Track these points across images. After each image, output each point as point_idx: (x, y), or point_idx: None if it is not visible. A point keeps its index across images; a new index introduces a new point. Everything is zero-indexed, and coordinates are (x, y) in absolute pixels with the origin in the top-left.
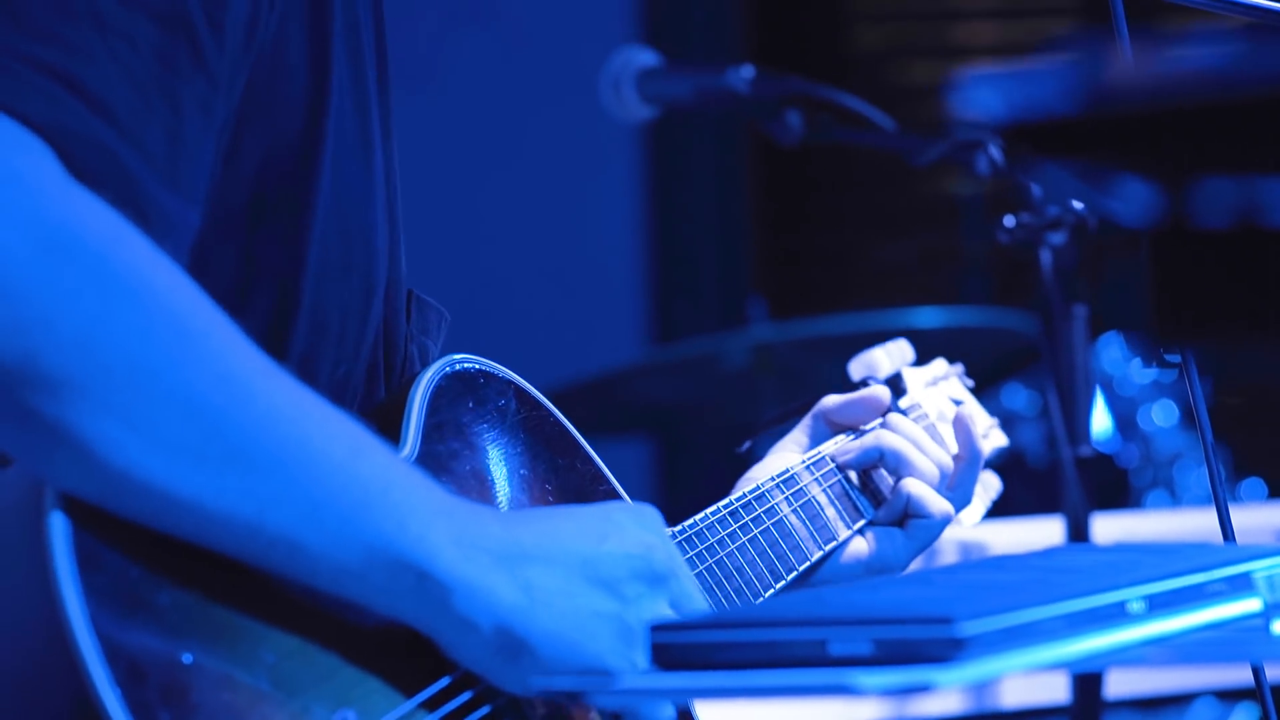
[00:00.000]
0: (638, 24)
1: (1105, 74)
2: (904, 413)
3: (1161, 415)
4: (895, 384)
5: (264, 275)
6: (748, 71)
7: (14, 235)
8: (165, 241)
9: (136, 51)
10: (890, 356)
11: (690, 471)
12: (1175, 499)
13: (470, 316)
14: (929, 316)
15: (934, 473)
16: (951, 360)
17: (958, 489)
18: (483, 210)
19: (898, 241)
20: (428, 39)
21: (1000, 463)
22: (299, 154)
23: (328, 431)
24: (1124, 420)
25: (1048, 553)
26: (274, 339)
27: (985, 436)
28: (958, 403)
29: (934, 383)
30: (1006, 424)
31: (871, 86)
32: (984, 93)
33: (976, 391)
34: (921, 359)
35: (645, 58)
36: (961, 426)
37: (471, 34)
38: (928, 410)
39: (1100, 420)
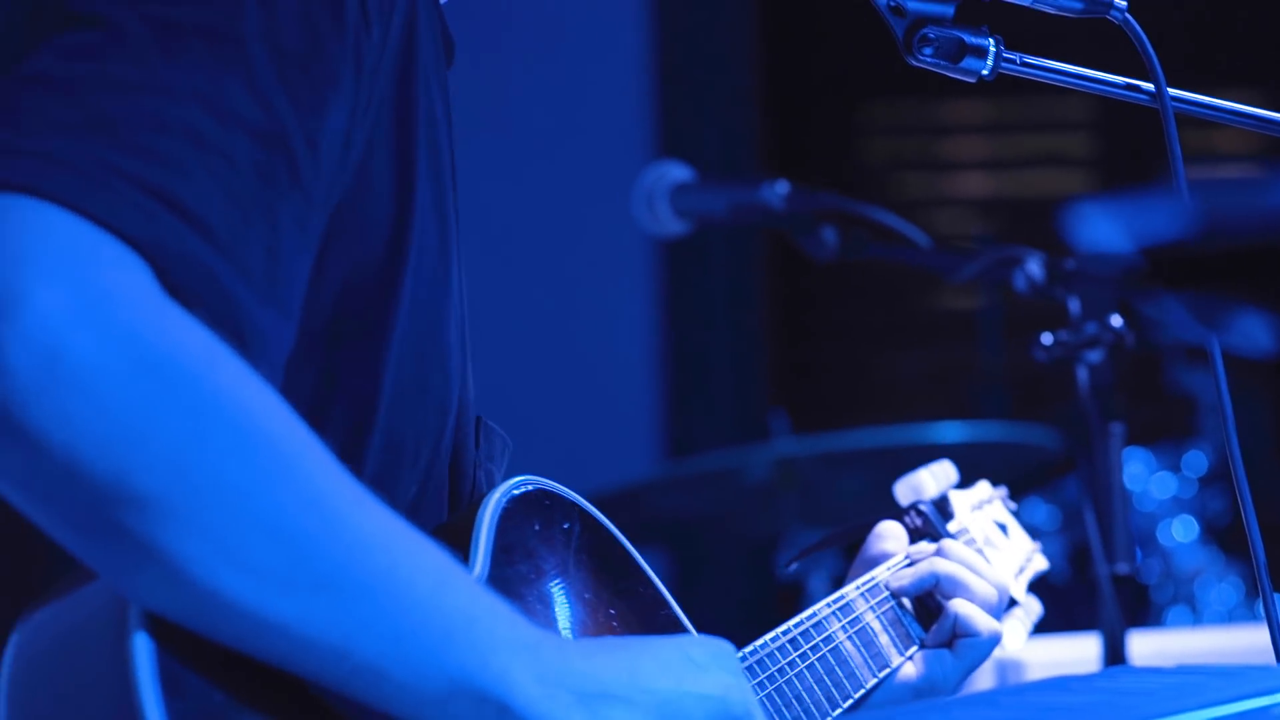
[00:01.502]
0: (654, 135)
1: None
2: (954, 537)
3: (1182, 531)
4: (942, 507)
5: (342, 395)
6: (782, 187)
7: (110, 353)
8: (260, 360)
9: (234, 168)
10: (935, 478)
11: (710, 585)
12: (1196, 615)
13: None
14: (948, 431)
15: (990, 595)
16: (974, 476)
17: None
18: (499, 322)
19: (916, 355)
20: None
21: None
22: (381, 275)
23: (415, 561)
24: (1144, 536)
25: (1111, 674)
26: (349, 459)
27: (1029, 560)
28: (1002, 526)
29: (979, 506)
30: None
31: (878, 199)
32: (1103, 223)
33: None
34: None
35: (678, 173)
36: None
37: (487, 142)
38: (975, 534)
39: None
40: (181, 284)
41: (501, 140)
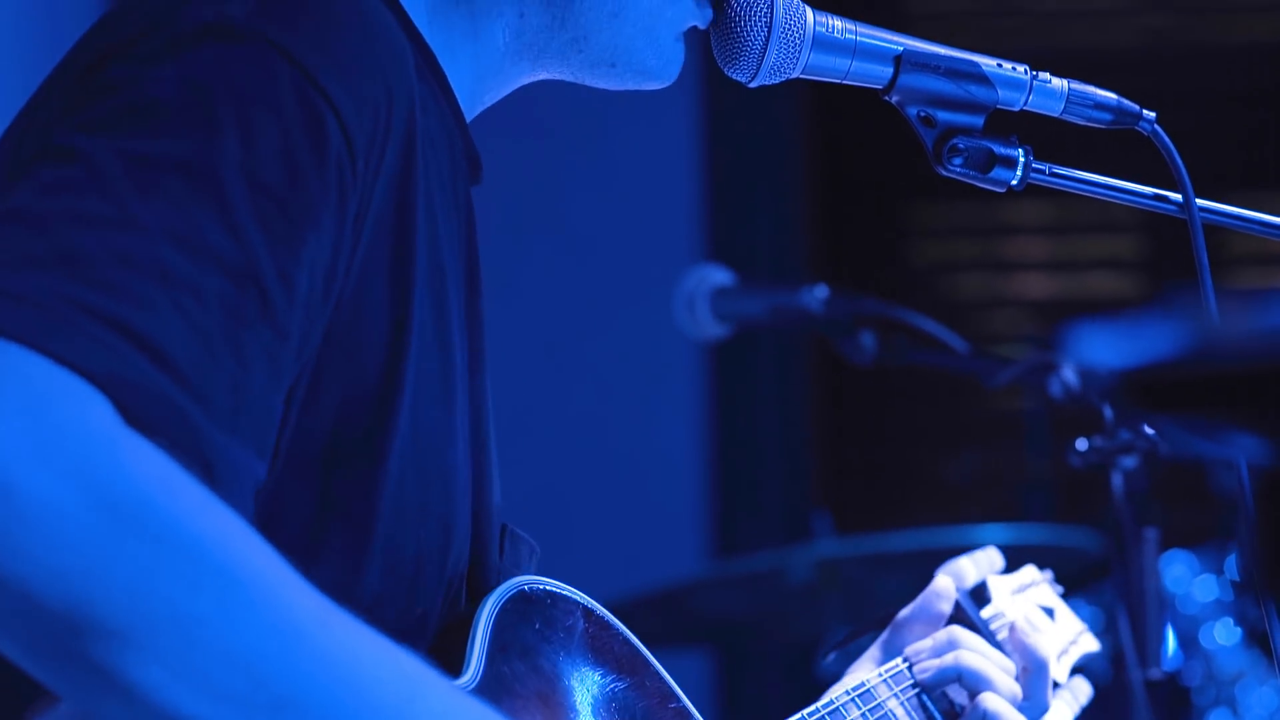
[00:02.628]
0: (702, 237)
1: (1217, 328)
2: (986, 622)
3: (1224, 634)
4: (980, 593)
5: (338, 519)
6: (821, 291)
7: (63, 486)
8: (228, 489)
9: (202, 303)
10: (978, 565)
11: (753, 686)
12: (1238, 718)
13: (532, 527)
14: (993, 533)
15: (1015, 691)
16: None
17: (1030, 699)
18: (547, 420)
19: (962, 456)
20: (497, 247)
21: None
22: (377, 400)
23: (382, 675)
24: (1186, 638)
25: None
26: (347, 581)
27: (1074, 643)
28: (1048, 610)
29: (1021, 589)
30: None
31: (928, 300)
32: (1100, 342)
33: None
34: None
35: (719, 276)
36: (1017, 639)
37: (539, 242)
38: (1012, 617)
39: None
40: (142, 416)
41: (552, 240)
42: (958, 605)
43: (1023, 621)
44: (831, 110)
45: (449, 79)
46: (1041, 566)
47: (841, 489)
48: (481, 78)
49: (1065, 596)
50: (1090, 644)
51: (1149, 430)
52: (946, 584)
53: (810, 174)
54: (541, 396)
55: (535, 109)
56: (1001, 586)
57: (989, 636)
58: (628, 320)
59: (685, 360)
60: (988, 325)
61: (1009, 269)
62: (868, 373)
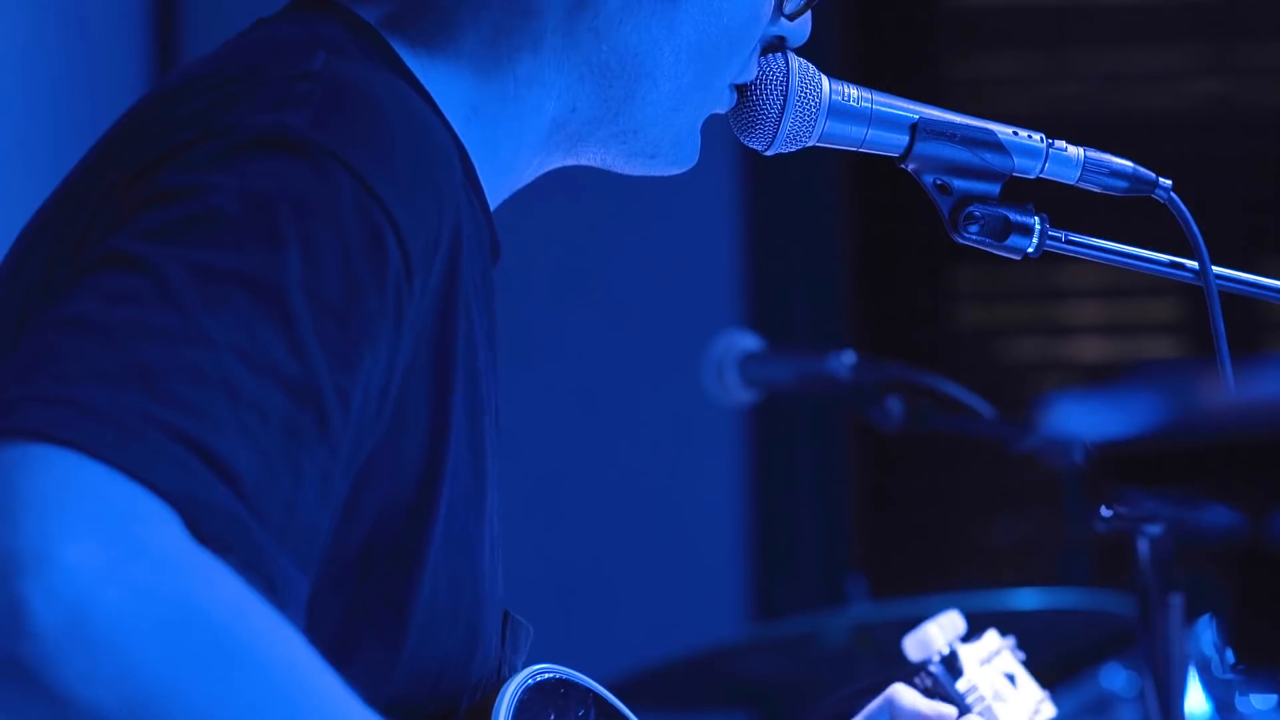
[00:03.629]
0: (742, 303)
1: (1194, 403)
2: (962, 696)
3: (1260, 699)
4: (952, 664)
5: (368, 627)
6: (849, 357)
7: (137, 611)
8: (287, 606)
9: (266, 422)
10: (943, 629)
11: None
12: None
13: (571, 591)
14: (1029, 598)
15: None
16: (1054, 644)
17: None
18: (585, 484)
19: (1000, 520)
20: (536, 312)
21: None
22: (413, 509)
23: None
24: (1222, 703)
25: None
26: (374, 688)
27: (1037, 711)
28: (1010, 677)
29: (988, 659)
30: (1104, 705)
31: (978, 364)
32: (1075, 414)
33: (1074, 673)
34: (1022, 641)
35: (747, 342)
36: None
37: (579, 308)
38: (984, 691)
39: (1198, 703)
40: (212, 534)
41: (593, 304)
42: (935, 680)
43: (991, 695)
44: (875, 174)
45: (479, 172)
46: (1077, 630)
47: (880, 553)
48: (514, 169)
49: (1100, 661)
50: (1049, 711)
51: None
52: (913, 648)
53: (854, 238)
54: (581, 460)
55: (575, 173)
56: (970, 656)
57: (966, 710)
58: (667, 384)
59: (724, 424)
60: (1039, 389)
61: (1061, 332)
62: (906, 436)
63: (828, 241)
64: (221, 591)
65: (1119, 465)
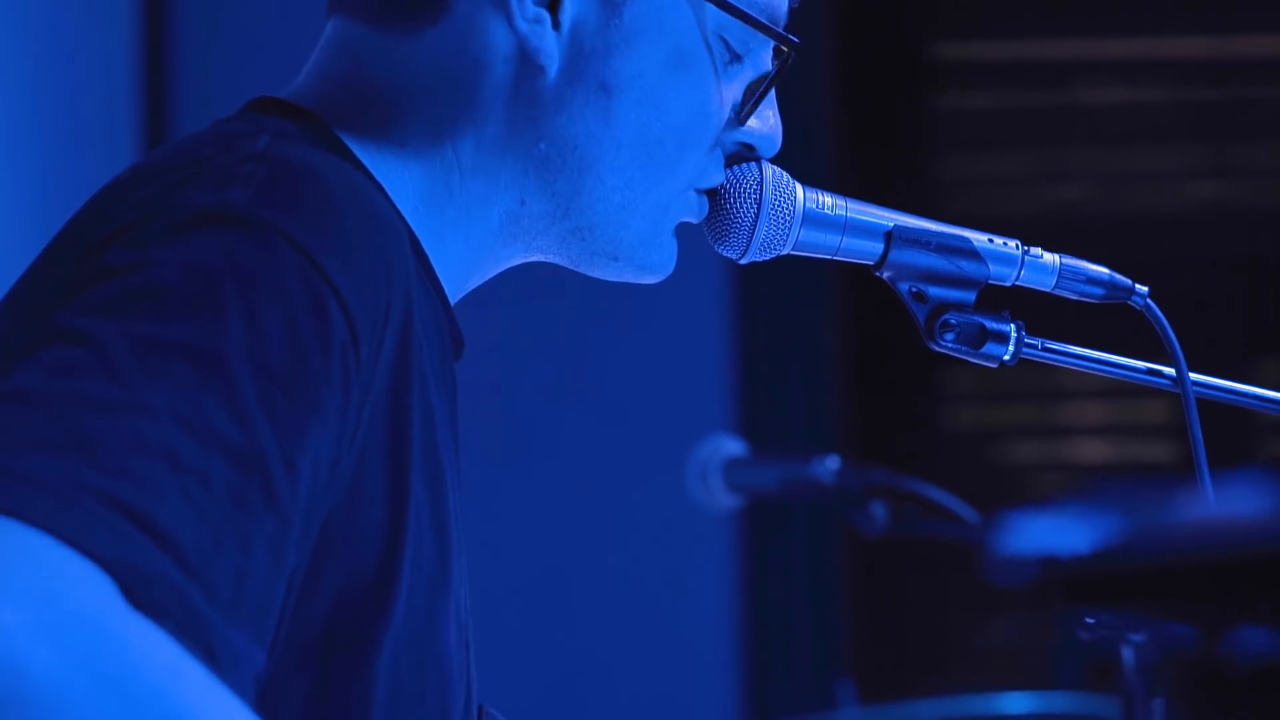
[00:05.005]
0: (733, 407)
1: (1144, 524)
2: None
3: None
4: None
5: (334, 707)
6: (833, 462)
7: (72, 669)
8: (230, 675)
9: (209, 490)
10: None
11: None
12: None
13: (561, 694)
14: (1016, 701)
15: None
16: None
17: None
18: (574, 586)
19: (989, 623)
20: (526, 413)
21: None
22: (374, 586)
23: None
24: None
25: None
26: None
27: None
28: None
29: None
30: None
31: (975, 466)
32: (1022, 536)
33: None
34: None
35: (731, 447)
36: None
37: (569, 410)
38: None
39: None
40: (148, 600)
41: (583, 407)
42: None
43: None
44: (865, 275)
45: (433, 262)
46: None
47: (873, 655)
48: (469, 261)
49: None
50: None
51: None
52: None
53: (846, 341)
54: (572, 561)
55: (565, 276)
56: None
57: None
58: (658, 486)
59: (715, 526)
60: (1039, 491)
61: (1060, 434)
62: (898, 539)
63: (819, 345)
64: (156, 654)
65: (1068, 583)
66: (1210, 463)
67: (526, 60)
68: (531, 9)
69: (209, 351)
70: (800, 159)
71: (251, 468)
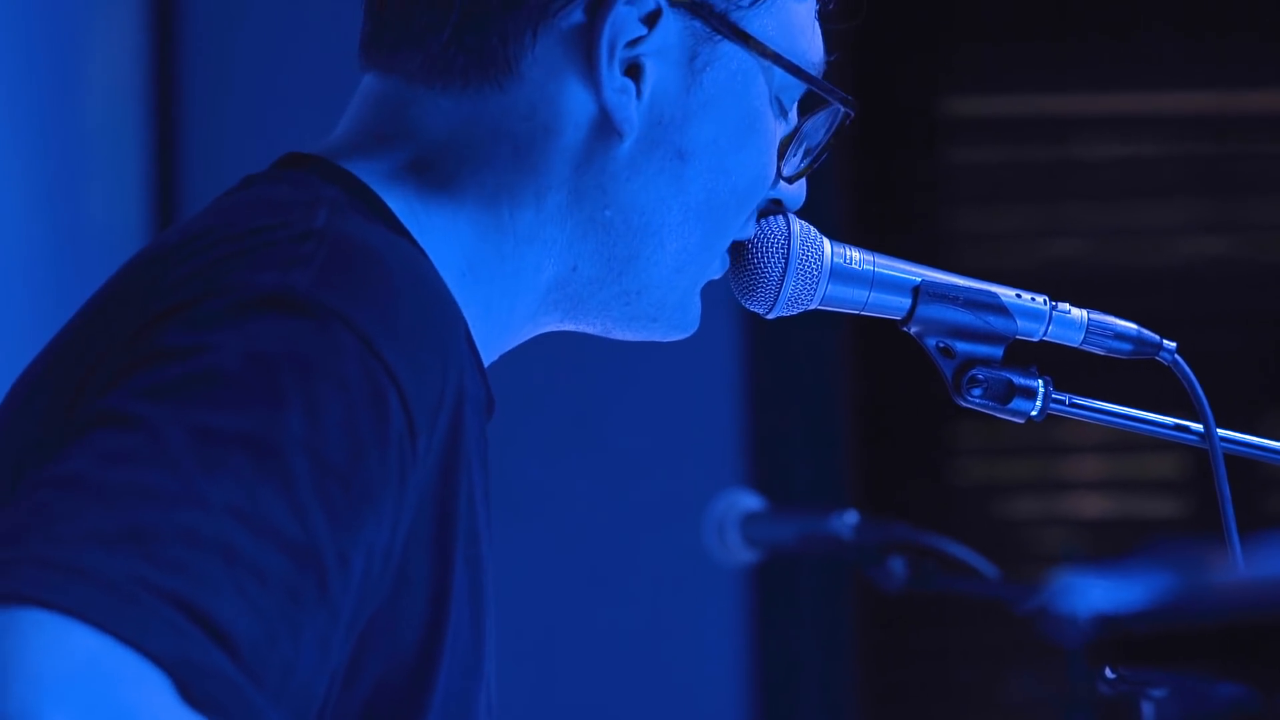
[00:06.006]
0: (743, 461)
1: (1202, 584)
2: None
3: None
4: None
5: None
6: (851, 517)
7: None
8: None
9: (264, 585)
10: None
11: None
12: None
13: None
14: None
15: None
16: None
17: None
18: (585, 642)
19: (1005, 679)
20: (537, 467)
21: None
22: (414, 674)
23: None
24: None
25: None
26: None
27: None
28: None
29: None
30: None
31: (979, 520)
32: (1082, 594)
33: None
34: None
35: (749, 502)
36: None
37: (580, 464)
38: None
39: None
40: (205, 698)
41: (593, 461)
42: None
43: None
44: (875, 330)
45: (476, 329)
46: None
47: (884, 713)
48: (511, 328)
49: None
50: None
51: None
52: None
53: (854, 395)
54: (582, 617)
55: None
56: None
57: None
58: (668, 541)
59: (725, 582)
60: (1038, 546)
61: (1062, 488)
62: (911, 594)
63: (829, 398)
64: None
65: (1125, 643)
66: (1216, 517)
67: (605, 129)
68: (620, 79)
69: (267, 443)
70: (807, 211)
71: (306, 563)
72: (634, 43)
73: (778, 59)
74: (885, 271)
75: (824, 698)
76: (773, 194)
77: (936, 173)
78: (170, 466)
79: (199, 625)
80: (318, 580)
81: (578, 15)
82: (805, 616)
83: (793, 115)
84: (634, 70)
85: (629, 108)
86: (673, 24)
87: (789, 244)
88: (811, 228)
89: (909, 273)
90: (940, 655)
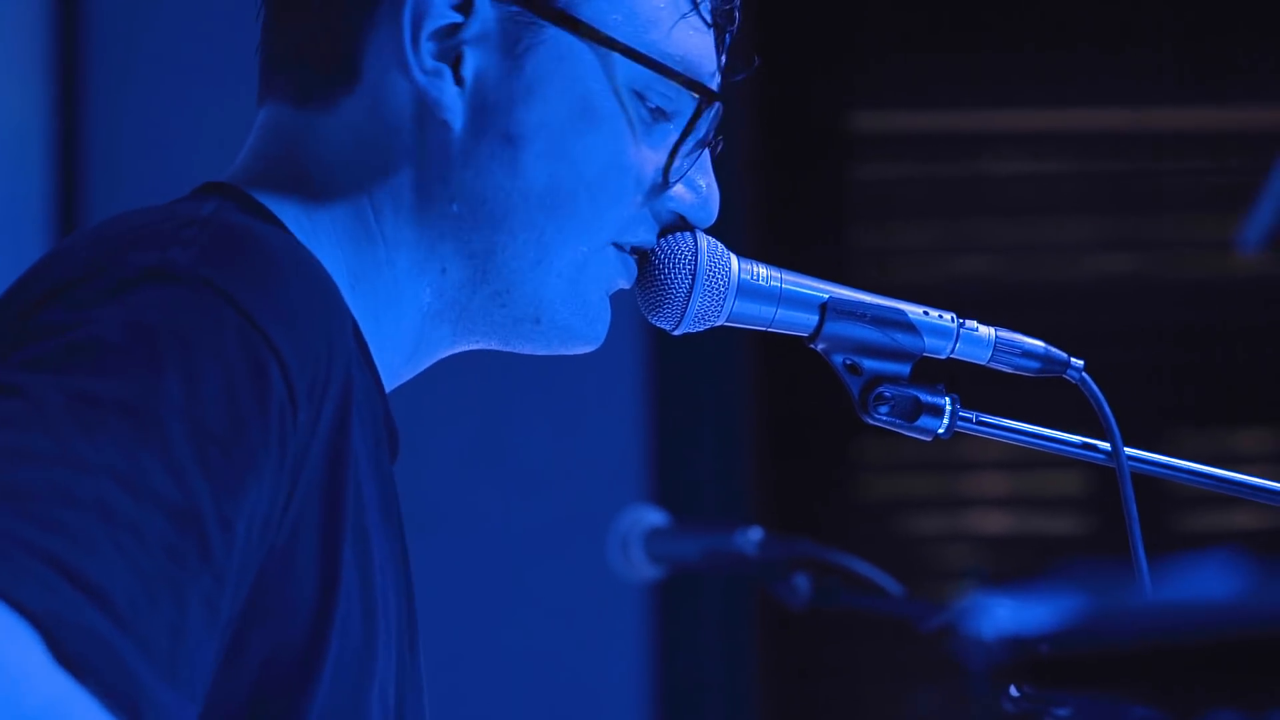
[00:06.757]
0: (648, 477)
1: (1111, 607)
2: None
3: None
4: None
5: None
6: (755, 534)
7: None
8: None
9: (143, 544)
10: None
11: None
12: None
13: None
14: None
15: None
16: None
17: None
18: (488, 659)
19: (908, 696)
20: (440, 483)
21: None
22: (301, 661)
23: None
24: None
25: None
26: None
27: None
28: None
29: None
30: None
31: (881, 536)
32: (989, 615)
33: None
34: None
35: (653, 517)
36: None
37: (483, 480)
38: None
39: None
40: (75, 655)
41: (497, 477)
42: None
43: None
44: (779, 346)
45: (369, 345)
46: None
47: None
48: (402, 344)
49: None
50: None
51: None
52: None
53: (759, 410)
54: (485, 634)
55: (483, 356)
56: None
57: None
58: (572, 557)
59: (629, 598)
60: (941, 562)
61: (964, 505)
62: (817, 610)
63: (734, 414)
64: (73, 711)
65: (1032, 664)
66: (1120, 534)
67: (431, 117)
68: (430, 63)
69: (146, 408)
70: (713, 226)
71: (187, 524)
72: (454, 30)
73: (612, 44)
74: (792, 288)
75: (728, 715)
76: (676, 207)
77: (843, 188)
78: (48, 430)
79: (72, 582)
80: (199, 542)
81: (389, 6)
82: (709, 633)
83: (683, 118)
84: (457, 59)
85: (445, 92)
86: (490, 10)
87: (696, 260)
88: (719, 244)
89: (816, 289)
90: (845, 672)
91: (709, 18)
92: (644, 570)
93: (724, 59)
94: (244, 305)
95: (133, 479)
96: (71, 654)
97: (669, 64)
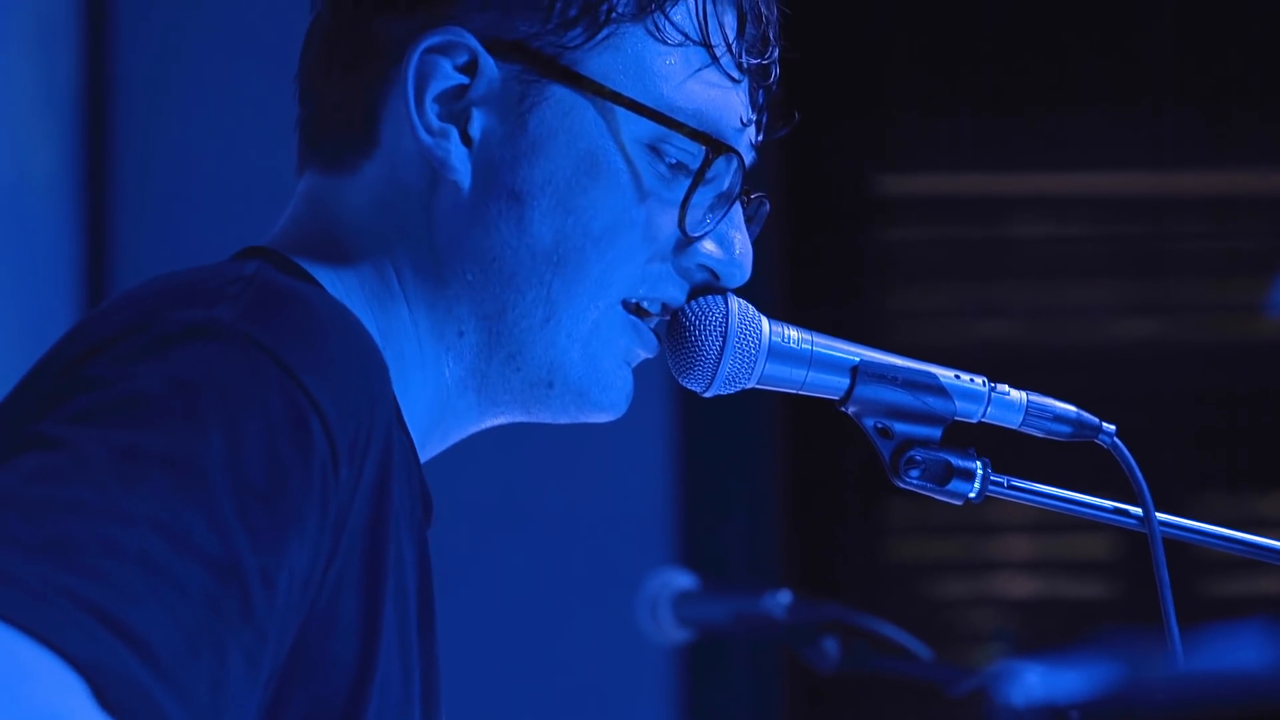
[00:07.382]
0: (676, 540)
1: (1146, 676)
2: None
3: None
4: None
5: None
6: (785, 597)
7: None
8: None
9: (185, 597)
10: None
11: None
12: None
13: None
14: None
15: None
16: None
17: None
18: (514, 719)
19: None
20: (467, 544)
21: None
22: (341, 717)
23: None
24: None
25: None
26: None
27: None
28: None
29: None
30: None
31: (907, 599)
32: (1022, 685)
33: None
34: None
35: (682, 580)
36: None
37: (511, 541)
38: None
39: None
40: (118, 704)
41: (521, 536)
42: None
43: None
44: (807, 408)
45: (401, 407)
46: None
47: None
48: (431, 411)
49: None
50: None
51: None
52: None
53: (785, 472)
54: (514, 694)
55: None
56: None
57: None
58: (599, 619)
59: (656, 660)
60: (968, 626)
61: (990, 568)
62: (845, 673)
63: (762, 476)
64: None
65: None
66: (1147, 598)
67: (441, 178)
68: (437, 124)
69: (188, 462)
70: (740, 287)
71: (228, 578)
72: (461, 92)
73: (616, 98)
74: (823, 351)
75: None
76: (707, 262)
77: (870, 250)
78: (92, 482)
79: (115, 632)
80: (240, 596)
81: (397, 71)
82: (738, 697)
83: (723, 177)
84: (465, 119)
85: (451, 152)
86: (493, 71)
87: (727, 322)
88: (750, 306)
89: (847, 352)
90: None
91: (734, 72)
92: (672, 633)
93: (764, 116)
94: (286, 360)
95: (175, 532)
96: (114, 702)
97: (679, 118)
